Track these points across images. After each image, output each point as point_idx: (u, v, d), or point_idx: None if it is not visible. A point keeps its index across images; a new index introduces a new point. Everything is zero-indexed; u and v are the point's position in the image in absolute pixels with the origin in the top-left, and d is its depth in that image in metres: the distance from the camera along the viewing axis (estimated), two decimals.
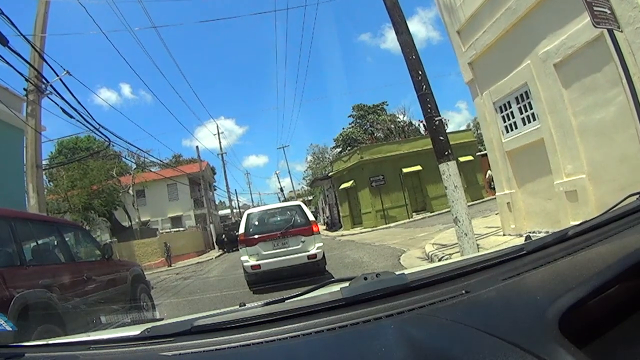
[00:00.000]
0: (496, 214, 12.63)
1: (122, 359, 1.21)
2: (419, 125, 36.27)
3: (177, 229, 33.99)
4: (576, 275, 1.04)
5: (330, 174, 29.16)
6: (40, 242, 4.96)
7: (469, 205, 7.24)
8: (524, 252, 1.32)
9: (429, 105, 6.99)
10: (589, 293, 0.91)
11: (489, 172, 13.60)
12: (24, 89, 9.02)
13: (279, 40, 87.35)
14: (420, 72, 7.13)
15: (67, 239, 5.54)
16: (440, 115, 7.03)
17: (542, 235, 1.73)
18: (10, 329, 1.47)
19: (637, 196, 1.45)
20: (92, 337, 1.42)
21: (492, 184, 13.51)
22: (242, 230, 8.47)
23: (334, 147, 46.80)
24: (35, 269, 4.52)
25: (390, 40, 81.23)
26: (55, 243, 5.33)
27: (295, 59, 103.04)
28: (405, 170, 23.77)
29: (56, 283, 4.56)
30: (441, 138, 6.93)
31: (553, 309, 0.87)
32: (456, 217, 6.74)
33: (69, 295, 4.68)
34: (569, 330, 0.82)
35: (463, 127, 46.24)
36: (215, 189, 45.58)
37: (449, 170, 6.79)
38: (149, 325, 1.33)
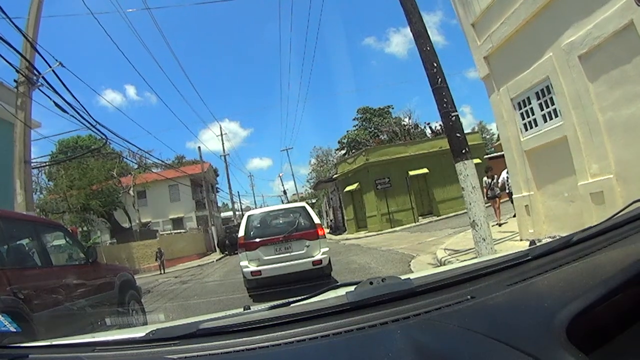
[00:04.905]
0: (509, 218, 12.25)
1: None
2: (425, 127, 35.86)
3: (178, 231, 33.72)
4: (583, 281, 1.04)
5: (335, 176, 28.75)
6: (11, 242, 4.46)
7: None
8: (529, 257, 1.32)
9: (445, 100, 6.50)
10: (596, 300, 0.91)
11: (485, 178, 12.35)
12: (15, 81, 8.63)
13: (284, 40, 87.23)
14: (435, 65, 6.67)
15: (45, 240, 5.04)
16: (456, 111, 6.54)
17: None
18: (14, 330, 1.47)
19: None
20: (96, 338, 1.40)
21: (489, 192, 12.34)
22: (241, 233, 7.92)
23: (338, 149, 46.47)
24: (4, 273, 4.01)
25: (395, 44, 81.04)
26: (31, 244, 4.82)
27: (300, 60, 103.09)
28: (411, 172, 23.25)
29: (29, 289, 4.07)
30: (458, 135, 6.46)
31: (561, 315, 0.87)
32: (474, 220, 6.25)
33: (44, 303, 4.19)
34: (576, 337, 0.83)
35: (468, 131, 45.76)
36: (217, 191, 45.29)
37: (466, 170, 6.31)
38: (154, 327, 1.32)
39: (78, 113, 9.62)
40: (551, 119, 7.12)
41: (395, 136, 35.70)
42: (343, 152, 42.78)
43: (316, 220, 8.15)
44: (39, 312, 4.03)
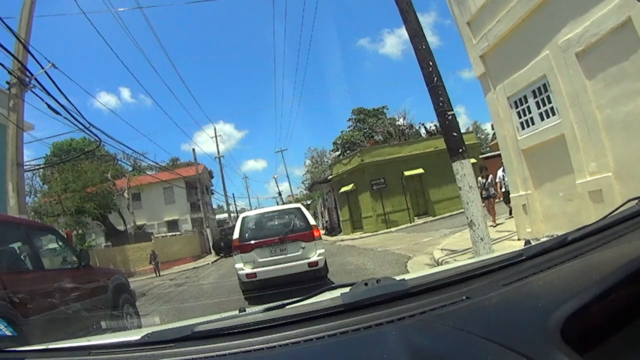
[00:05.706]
0: (506, 218, 12.21)
1: None
2: (419, 127, 35.84)
3: (173, 233, 33.53)
4: (577, 281, 1.04)
5: (330, 177, 28.58)
6: (2, 246, 4.36)
7: None
8: (524, 257, 1.32)
9: (441, 99, 6.46)
10: (590, 300, 0.91)
11: (479, 178, 11.92)
12: (7, 82, 8.54)
13: (278, 42, 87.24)
14: (430, 64, 6.63)
15: (36, 244, 4.93)
16: (452, 110, 6.49)
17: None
18: (10, 334, 1.57)
19: (637, 200, 1.43)
20: (91, 342, 1.41)
21: (484, 193, 11.89)
22: (236, 235, 7.81)
23: (332, 150, 46.43)
24: None
25: (389, 45, 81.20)
26: (22, 248, 4.72)
27: (294, 61, 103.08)
28: (407, 173, 23.18)
29: (20, 294, 3.97)
30: (454, 134, 6.41)
31: (555, 315, 0.87)
32: (471, 220, 6.20)
33: (36, 308, 4.09)
34: (571, 337, 0.82)
35: (463, 131, 45.71)
36: (212, 193, 45.12)
37: (463, 170, 6.26)
38: (149, 330, 1.31)
39: (71, 115, 9.57)
40: (548, 117, 7.07)
41: (390, 137, 35.62)
42: (338, 153, 42.71)
43: (312, 221, 8.06)
44: (31, 316, 3.95)
